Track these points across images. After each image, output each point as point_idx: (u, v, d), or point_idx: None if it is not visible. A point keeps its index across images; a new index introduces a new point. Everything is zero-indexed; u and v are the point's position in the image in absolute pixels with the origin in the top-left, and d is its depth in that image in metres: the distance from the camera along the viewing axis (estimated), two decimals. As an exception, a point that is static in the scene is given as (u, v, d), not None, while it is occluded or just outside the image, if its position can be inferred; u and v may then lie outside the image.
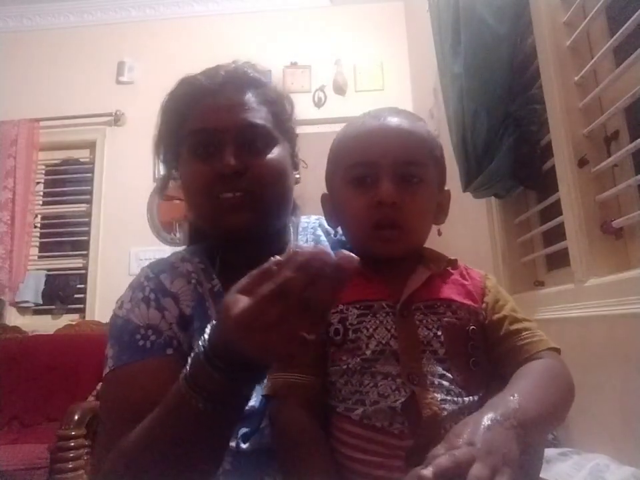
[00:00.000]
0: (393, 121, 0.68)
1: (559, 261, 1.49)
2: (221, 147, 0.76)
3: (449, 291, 0.65)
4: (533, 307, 1.44)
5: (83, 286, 3.34)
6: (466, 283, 0.68)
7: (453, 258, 0.70)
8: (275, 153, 0.80)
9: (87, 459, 1.91)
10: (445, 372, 0.60)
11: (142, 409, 0.62)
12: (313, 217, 0.95)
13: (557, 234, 1.41)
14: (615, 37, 1.10)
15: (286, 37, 3.54)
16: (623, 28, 1.06)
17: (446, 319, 0.63)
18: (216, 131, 0.76)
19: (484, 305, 0.67)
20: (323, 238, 0.90)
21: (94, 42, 3.62)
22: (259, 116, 0.79)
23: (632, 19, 1.03)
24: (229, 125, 0.76)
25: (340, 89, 3.39)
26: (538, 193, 1.60)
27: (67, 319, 3.21)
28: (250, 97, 0.80)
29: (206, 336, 0.53)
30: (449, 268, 0.69)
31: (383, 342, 0.60)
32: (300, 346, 0.48)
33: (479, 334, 0.64)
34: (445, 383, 0.59)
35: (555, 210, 1.40)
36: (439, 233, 0.86)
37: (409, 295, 0.63)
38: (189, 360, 0.55)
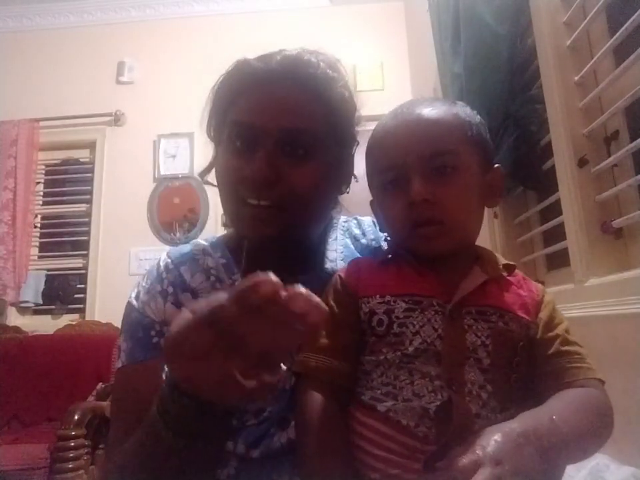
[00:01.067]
0: (413, 114, 0.65)
1: (558, 260, 1.49)
2: (258, 148, 0.69)
3: (503, 299, 0.62)
4: (533, 306, 1.44)
5: (82, 286, 3.35)
6: (522, 293, 0.65)
7: (511, 263, 0.67)
8: (316, 165, 0.71)
9: (87, 459, 1.91)
10: (486, 383, 0.57)
11: (149, 410, 0.62)
12: (342, 220, 0.90)
13: (557, 234, 1.41)
14: (615, 37, 1.10)
15: (286, 37, 3.51)
16: (623, 28, 1.06)
17: (497, 328, 0.60)
18: (257, 129, 0.69)
19: (538, 319, 0.63)
20: (347, 242, 0.85)
21: (94, 42, 3.63)
22: (310, 119, 0.70)
23: (632, 18, 1.03)
24: (271, 125, 0.68)
25: (340, 89, 3.39)
26: (538, 193, 1.60)
27: (66, 319, 3.21)
28: (306, 95, 0.71)
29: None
30: (506, 274, 0.66)
31: (428, 341, 0.58)
32: (243, 389, 0.41)
33: (527, 350, 0.61)
34: (484, 395, 0.57)
35: (555, 210, 1.39)
36: (495, 216, 0.81)
37: (461, 297, 0.60)
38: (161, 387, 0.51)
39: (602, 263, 1.17)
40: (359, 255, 0.83)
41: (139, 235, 3.32)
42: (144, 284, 0.75)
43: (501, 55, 1.45)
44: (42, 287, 3.32)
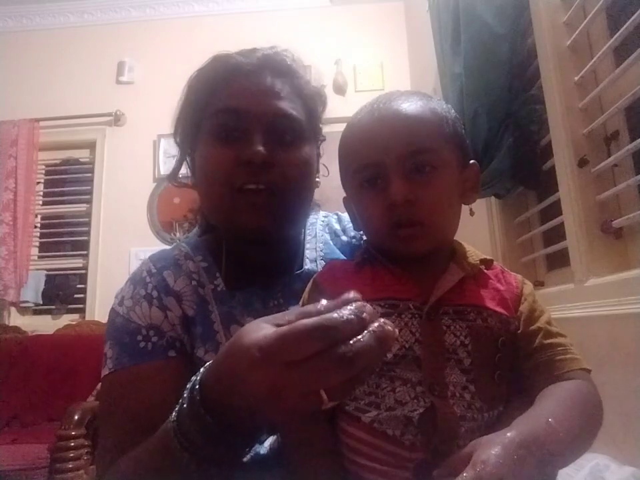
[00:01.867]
0: (390, 110, 0.62)
1: (558, 260, 1.49)
2: (249, 133, 0.69)
3: (481, 296, 0.61)
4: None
5: (83, 286, 3.34)
6: (501, 288, 0.63)
7: (488, 258, 0.65)
8: (304, 151, 0.73)
9: (87, 459, 1.91)
10: (468, 384, 0.56)
11: (141, 415, 0.62)
12: (321, 215, 0.91)
13: (557, 234, 1.41)
14: (614, 37, 1.10)
15: (286, 37, 3.52)
16: (623, 28, 1.06)
17: (475, 326, 0.58)
18: (247, 114, 0.69)
19: (518, 313, 0.62)
20: (327, 237, 0.86)
21: (94, 42, 3.63)
22: (294, 107, 0.72)
23: (632, 19, 1.03)
24: (261, 110, 0.70)
25: (340, 89, 3.39)
26: (538, 193, 1.60)
27: (67, 319, 3.21)
28: (286, 86, 0.73)
29: (197, 381, 0.46)
30: (484, 269, 0.64)
31: (406, 346, 0.56)
32: (310, 404, 0.39)
33: (509, 346, 0.60)
34: (467, 396, 0.55)
35: (554, 210, 1.40)
36: (471, 213, 0.79)
37: (438, 298, 0.59)
38: (179, 404, 0.48)
39: (602, 263, 1.17)
40: (339, 253, 0.83)
41: (139, 234, 3.32)
42: (127, 290, 0.74)
43: (501, 55, 1.45)
44: (42, 286, 3.32)
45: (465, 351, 0.57)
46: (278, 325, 0.40)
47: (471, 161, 0.67)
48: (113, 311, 0.73)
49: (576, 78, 1.27)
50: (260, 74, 0.72)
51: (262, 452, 0.65)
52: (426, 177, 0.60)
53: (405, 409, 0.54)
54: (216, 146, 0.71)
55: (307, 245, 0.84)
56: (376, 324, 0.38)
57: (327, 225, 0.88)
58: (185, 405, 0.46)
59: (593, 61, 1.21)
